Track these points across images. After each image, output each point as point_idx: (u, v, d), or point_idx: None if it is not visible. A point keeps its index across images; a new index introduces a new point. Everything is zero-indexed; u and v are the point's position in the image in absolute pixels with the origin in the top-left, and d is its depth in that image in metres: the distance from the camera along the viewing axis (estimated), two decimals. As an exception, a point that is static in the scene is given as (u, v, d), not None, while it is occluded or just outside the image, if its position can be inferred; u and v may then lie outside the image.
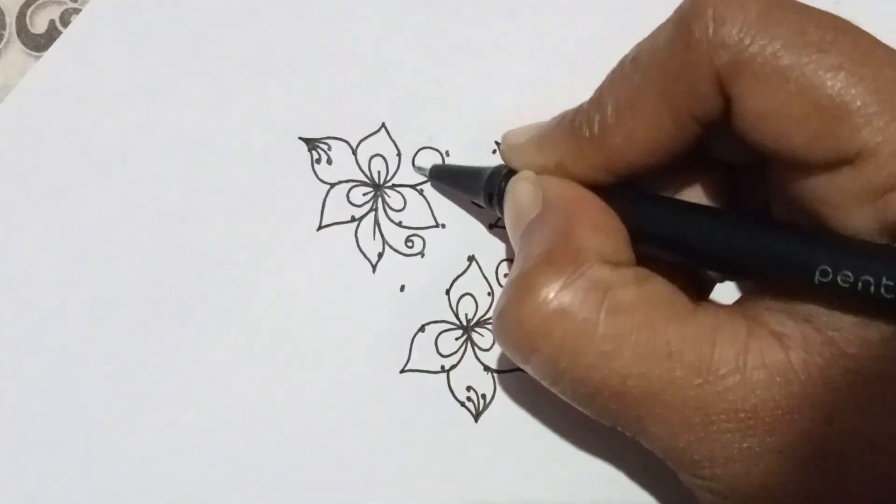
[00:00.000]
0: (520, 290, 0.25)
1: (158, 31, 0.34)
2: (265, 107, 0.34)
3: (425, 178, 0.34)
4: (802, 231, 0.24)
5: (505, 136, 0.31)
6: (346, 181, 0.34)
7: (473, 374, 0.33)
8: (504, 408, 0.33)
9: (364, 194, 0.34)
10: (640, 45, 0.27)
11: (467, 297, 0.34)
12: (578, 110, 0.28)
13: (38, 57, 0.33)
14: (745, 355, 0.23)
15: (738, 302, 0.27)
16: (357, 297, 0.33)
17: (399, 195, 0.34)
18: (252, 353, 0.32)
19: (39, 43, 0.34)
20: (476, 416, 0.33)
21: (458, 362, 0.33)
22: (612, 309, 0.24)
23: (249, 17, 0.34)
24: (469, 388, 0.33)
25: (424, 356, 0.33)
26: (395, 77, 0.34)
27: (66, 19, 0.34)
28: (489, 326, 0.34)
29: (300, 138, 0.34)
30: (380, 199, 0.34)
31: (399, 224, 0.34)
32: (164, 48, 0.33)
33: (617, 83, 0.26)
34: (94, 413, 0.32)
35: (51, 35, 0.34)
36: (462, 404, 0.33)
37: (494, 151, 0.34)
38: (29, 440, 0.32)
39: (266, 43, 0.34)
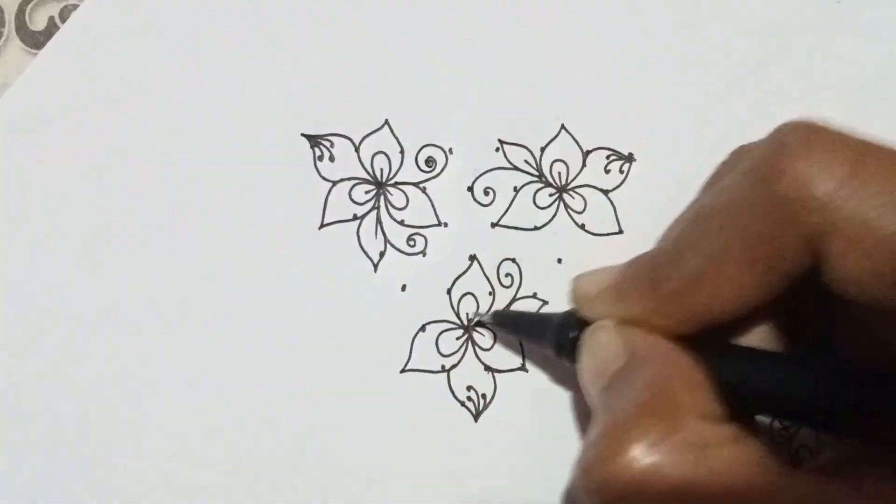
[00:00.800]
0: (610, 443, 0.24)
1: (158, 27, 0.33)
2: (267, 103, 0.33)
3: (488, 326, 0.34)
4: None
5: (576, 284, 0.30)
6: (349, 179, 0.34)
7: (474, 374, 0.33)
8: (504, 408, 0.33)
9: (366, 192, 0.34)
10: (720, 196, 0.26)
11: (468, 297, 0.34)
12: (656, 263, 0.27)
13: (38, 54, 0.33)
14: None
15: (834, 459, 0.27)
16: (358, 296, 0.33)
17: (401, 193, 0.34)
18: (252, 352, 0.32)
19: (38, 40, 0.33)
20: (476, 416, 0.33)
21: (459, 362, 0.33)
22: (711, 469, 0.23)
23: (251, 12, 0.34)
24: (469, 388, 0.33)
25: (425, 356, 0.33)
26: (398, 74, 0.34)
27: (65, 16, 0.34)
28: (490, 326, 0.33)
29: (302, 135, 0.34)
30: (382, 198, 0.34)
31: (401, 223, 0.34)
32: (163, 44, 0.33)
33: (697, 241, 0.26)
34: (94, 413, 0.32)
35: (50, 32, 0.33)
36: (462, 404, 0.33)
37: (498, 149, 0.34)
38: (29, 440, 0.32)
39: (268, 38, 0.34)
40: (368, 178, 0.34)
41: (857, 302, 0.24)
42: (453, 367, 0.33)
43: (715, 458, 0.23)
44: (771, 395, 0.25)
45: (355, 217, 0.33)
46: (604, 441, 0.24)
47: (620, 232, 0.34)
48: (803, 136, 0.23)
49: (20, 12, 0.34)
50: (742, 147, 0.27)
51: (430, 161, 0.34)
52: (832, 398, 0.24)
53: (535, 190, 0.34)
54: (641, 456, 0.23)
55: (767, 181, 0.23)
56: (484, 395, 0.33)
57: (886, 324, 0.24)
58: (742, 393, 0.25)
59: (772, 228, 0.24)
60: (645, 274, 0.27)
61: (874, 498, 0.23)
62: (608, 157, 0.34)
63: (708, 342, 0.27)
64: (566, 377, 0.33)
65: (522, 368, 0.33)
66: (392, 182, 0.34)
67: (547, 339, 0.30)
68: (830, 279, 0.23)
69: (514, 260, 0.34)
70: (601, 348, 0.27)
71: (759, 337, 0.28)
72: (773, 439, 0.27)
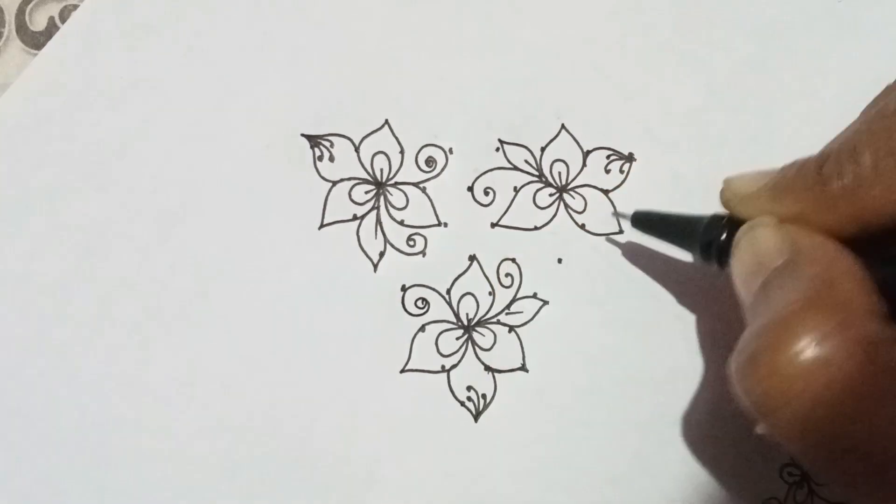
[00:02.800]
0: (778, 334, 0.23)
1: (157, 27, 0.33)
2: (267, 103, 0.33)
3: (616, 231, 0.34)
4: None
5: (729, 183, 0.29)
6: (349, 179, 0.34)
7: (473, 374, 0.33)
8: (504, 408, 0.33)
9: (366, 192, 0.34)
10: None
11: (468, 297, 0.34)
12: (824, 159, 0.26)
13: (38, 54, 0.33)
14: None
15: None
16: (358, 296, 0.33)
17: (401, 193, 0.34)
18: (252, 352, 0.32)
19: (39, 40, 0.33)
20: (476, 416, 0.33)
21: (459, 362, 0.33)
22: (880, 368, 0.22)
23: (251, 12, 0.34)
24: (469, 388, 0.33)
25: (425, 356, 0.33)
26: (398, 73, 0.34)
27: (65, 16, 0.34)
28: (490, 326, 0.33)
29: (302, 135, 0.34)
30: (382, 198, 0.34)
31: (401, 223, 0.34)
32: (163, 44, 0.33)
33: (877, 134, 0.25)
34: (94, 413, 0.32)
35: (50, 32, 0.33)
36: (462, 404, 0.33)
37: (498, 149, 0.34)
38: (29, 440, 0.32)
39: (268, 39, 0.34)
40: (368, 178, 0.34)
41: None
42: (453, 367, 0.33)
43: (886, 355, 0.22)
44: None
45: (355, 217, 0.33)
46: (770, 332, 0.23)
47: (621, 232, 0.34)
48: None
49: (20, 12, 0.34)
50: None
51: (430, 161, 0.34)
52: None
53: (535, 190, 0.34)
54: (810, 348, 0.22)
55: None
56: (484, 395, 0.33)
57: None
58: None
59: None
60: (811, 170, 0.26)
61: None
62: (608, 156, 0.34)
63: (872, 247, 0.26)
64: (566, 377, 0.33)
65: (522, 368, 0.34)
66: (392, 182, 0.34)
67: (693, 239, 0.30)
68: None
69: (513, 260, 0.34)
70: (760, 245, 0.27)
71: None
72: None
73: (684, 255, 0.32)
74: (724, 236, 0.28)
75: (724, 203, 0.29)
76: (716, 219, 0.29)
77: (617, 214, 0.34)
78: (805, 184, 0.26)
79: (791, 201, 0.27)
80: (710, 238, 0.29)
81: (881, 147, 0.25)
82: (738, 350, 0.24)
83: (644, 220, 0.32)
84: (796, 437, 0.23)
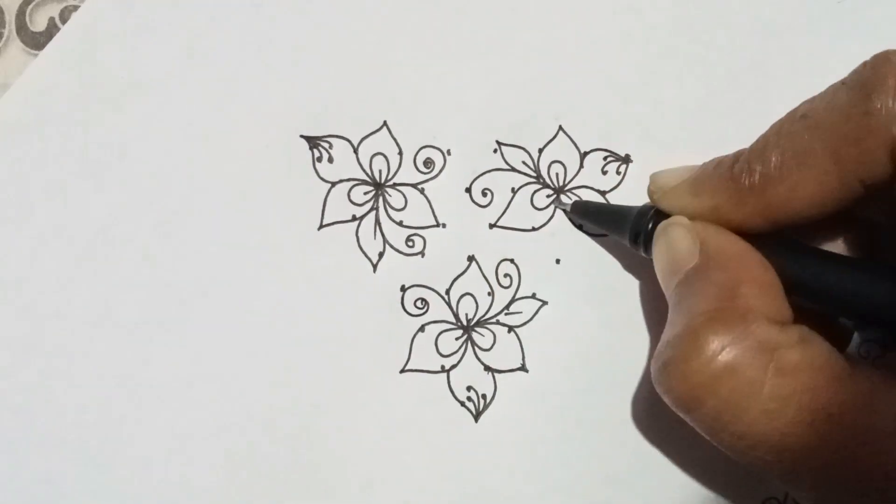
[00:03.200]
0: (688, 344, 0.26)
1: (158, 28, 0.33)
2: (266, 104, 0.33)
3: (567, 216, 0.34)
4: None
5: (654, 178, 0.31)
6: (348, 180, 0.34)
7: (473, 374, 0.33)
8: (504, 408, 0.33)
9: (365, 193, 0.34)
10: (811, 102, 0.27)
11: (467, 297, 0.34)
12: (738, 158, 0.28)
13: (38, 55, 0.33)
14: None
15: (889, 359, 0.28)
16: (357, 297, 0.33)
17: (400, 194, 0.34)
18: (252, 353, 0.33)
19: (39, 41, 0.34)
20: (476, 416, 0.33)
21: (459, 362, 0.33)
22: (779, 370, 0.25)
23: (250, 13, 0.34)
24: (469, 388, 0.33)
25: (424, 356, 0.33)
26: (397, 75, 0.34)
27: (65, 17, 0.34)
28: (489, 326, 0.33)
29: (301, 136, 0.34)
30: (381, 198, 0.34)
31: (400, 223, 0.34)
32: (163, 45, 0.33)
33: (785, 136, 0.27)
34: (94, 413, 0.32)
35: (50, 33, 0.33)
36: (462, 404, 0.33)
37: (496, 151, 0.34)
38: (29, 440, 0.32)
39: (268, 40, 0.34)
40: (367, 179, 0.34)
41: None
42: (453, 367, 0.33)
43: (784, 359, 0.25)
44: (838, 293, 0.27)
45: (354, 218, 0.34)
46: (681, 341, 0.26)
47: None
48: None
49: (21, 13, 0.34)
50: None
51: (428, 162, 0.34)
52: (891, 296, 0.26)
53: (532, 191, 0.34)
54: (715, 357, 0.25)
55: (865, 88, 0.25)
56: (484, 396, 0.33)
57: None
58: (810, 291, 0.27)
59: (859, 132, 0.25)
60: (725, 167, 0.28)
61: None
62: (605, 158, 0.34)
63: (779, 241, 0.28)
64: (566, 377, 0.34)
65: (522, 368, 0.34)
66: (391, 183, 0.34)
67: (624, 229, 0.31)
68: None
69: (512, 260, 0.34)
70: (674, 244, 0.29)
71: (829, 247, 0.30)
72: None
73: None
74: (650, 227, 0.30)
75: (649, 196, 0.31)
76: (644, 210, 0.31)
77: (557, 203, 0.34)
78: (720, 180, 0.28)
79: (707, 196, 0.29)
80: (638, 229, 0.31)
81: (787, 148, 0.27)
82: (656, 355, 0.27)
83: (583, 210, 0.33)
84: (709, 434, 0.27)
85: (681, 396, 0.26)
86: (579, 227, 0.34)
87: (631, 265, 0.34)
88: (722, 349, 0.25)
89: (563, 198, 0.34)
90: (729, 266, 0.27)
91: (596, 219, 0.33)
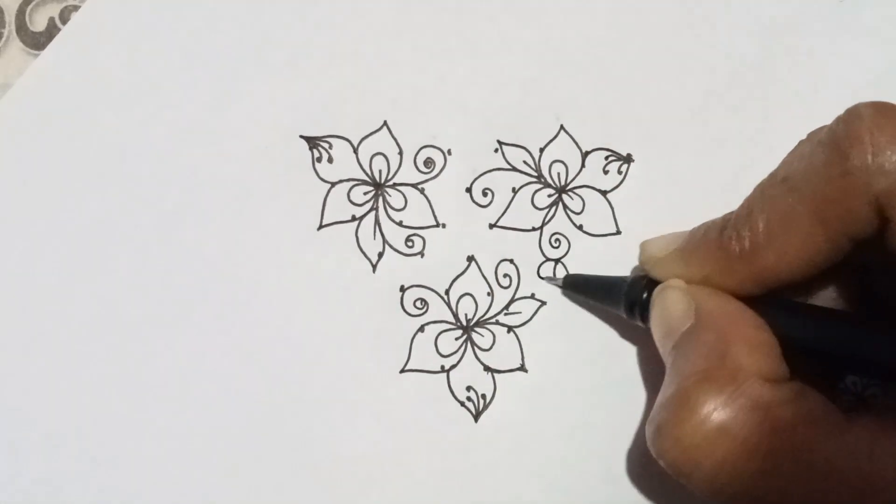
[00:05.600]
0: (679, 406, 0.26)
1: (158, 29, 0.33)
2: (266, 105, 0.33)
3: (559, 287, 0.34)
4: None
5: (644, 247, 0.31)
6: (347, 180, 0.34)
7: (473, 374, 0.33)
8: (504, 408, 0.33)
9: (365, 193, 0.34)
10: (789, 163, 0.28)
11: (467, 297, 0.34)
12: (725, 225, 0.28)
13: (38, 55, 0.33)
14: None
15: (887, 407, 0.28)
16: (357, 297, 0.33)
17: (400, 194, 0.34)
18: (252, 353, 0.33)
19: (39, 41, 0.34)
20: (476, 416, 0.33)
21: (458, 362, 0.33)
22: (773, 428, 0.25)
23: (250, 14, 0.34)
24: (469, 388, 0.33)
25: (424, 356, 0.33)
26: (396, 75, 0.34)
27: (65, 17, 0.34)
28: (489, 326, 0.33)
29: (301, 136, 0.34)
30: (380, 199, 0.34)
31: (399, 223, 0.34)
32: (163, 46, 0.33)
33: (768, 202, 0.27)
34: (95, 413, 0.32)
35: (50, 33, 0.33)
36: (462, 404, 0.33)
37: (496, 150, 0.34)
38: (29, 440, 0.32)
39: (267, 40, 0.34)
40: (367, 179, 0.34)
41: None
42: (453, 367, 0.33)
43: (778, 416, 0.25)
44: (832, 349, 0.27)
45: (354, 218, 0.34)
46: (673, 404, 0.26)
47: (618, 233, 0.34)
48: (877, 111, 0.25)
49: (20, 13, 0.34)
50: (813, 131, 0.28)
51: (428, 162, 0.34)
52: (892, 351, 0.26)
53: (533, 191, 0.34)
54: (708, 418, 0.25)
55: (841, 148, 0.25)
56: (484, 396, 0.33)
57: None
58: (806, 348, 0.27)
59: (841, 192, 0.25)
60: (713, 235, 0.28)
61: None
62: (607, 157, 0.34)
63: (773, 301, 0.28)
64: (566, 377, 0.34)
65: (522, 368, 0.34)
66: (391, 183, 0.34)
67: (618, 300, 0.31)
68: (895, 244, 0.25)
69: (512, 261, 0.34)
70: (669, 308, 0.29)
71: (823, 295, 0.30)
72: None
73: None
74: (644, 296, 0.30)
75: (642, 265, 0.31)
76: (636, 280, 0.31)
77: (547, 279, 0.34)
78: (708, 249, 0.29)
79: (697, 265, 0.29)
80: (632, 299, 0.31)
81: (771, 213, 0.27)
82: (650, 419, 0.27)
83: (574, 283, 0.34)
84: (709, 496, 0.26)
85: (676, 460, 0.26)
86: (580, 228, 0.34)
87: (631, 268, 0.34)
88: (713, 410, 0.25)
89: (546, 272, 0.34)
90: (720, 326, 0.27)
91: (588, 292, 0.33)
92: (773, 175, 0.28)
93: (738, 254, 0.27)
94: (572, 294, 0.34)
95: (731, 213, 0.28)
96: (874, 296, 0.30)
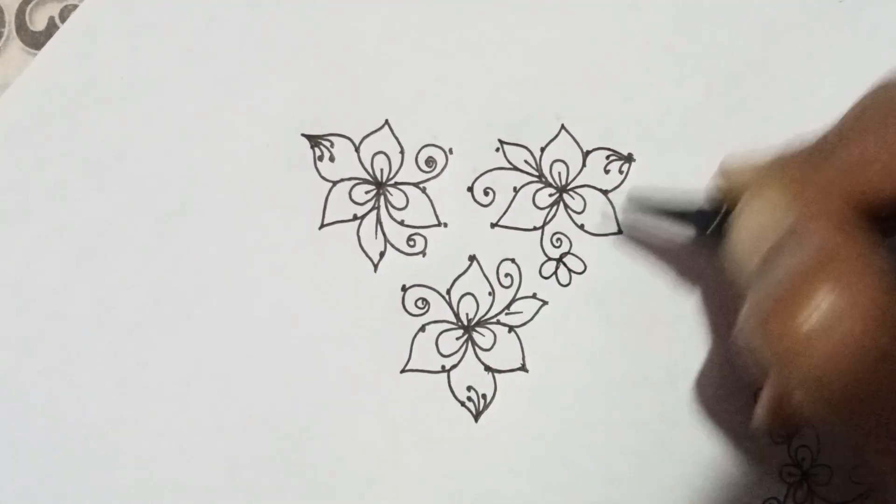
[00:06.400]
0: (793, 295, 0.24)
1: (158, 27, 0.33)
2: (267, 103, 0.33)
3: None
4: None
5: (726, 164, 0.30)
6: (349, 179, 0.34)
7: (473, 374, 0.33)
8: (504, 408, 0.33)
9: (366, 192, 0.34)
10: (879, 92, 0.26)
11: (468, 297, 0.34)
12: (822, 138, 0.27)
13: (38, 54, 0.33)
14: None
15: None
16: (358, 296, 0.33)
17: (401, 193, 0.34)
18: (252, 352, 0.32)
19: (39, 40, 0.33)
20: (476, 416, 0.33)
21: (459, 362, 0.33)
22: (891, 332, 0.23)
23: (251, 12, 0.34)
24: (469, 388, 0.33)
25: (425, 356, 0.33)
26: (398, 74, 0.34)
27: (65, 16, 0.34)
28: (490, 326, 0.33)
29: (303, 135, 0.34)
30: (382, 198, 0.34)
31: (401, 223, 0.34)
32: (163, 44, 0.33)
33: (869, 113, 0.26)
34: (95, 413, 0.32)
35: (50, 32, 0.33)
36: (462, 404, 0.33)
37: (498, 150, 0.34)
38: (29, 440, 0.32)
39: (268, 39, 0.34)
40: (368, 178, 0.34)
41: None
42: (453, 367, 0.33)
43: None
44: None
45: (355, 217, 0.33)
46: (783, 293, 0.24)
47: (619, 232, 0.34)
48: None
49: (20, 12, 0.34)
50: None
51: (430, 161, 0.34)
52: None
53: (534, 190, 0.34)
54: (823, 310, 0.23)
55: None
56: (484, 396, 0.33)
57: None
58: None
59: None
60: (815, 146, 0.27)
61: None
62: (608, 157, 0.34)
63: (873, 224, 0.26)
64: (566, 377, 0.34)
65: (522, 368, 0.34)
66: (392, 182, 0.34)
67: (690, 216, 0.30)
68: None
69: (513, 260, 0.34)
70: (764, 212, 0.27)
71: None
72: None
73: (684, 244, 0.32)
74: (724, 209, 0.29)
75: (724, 174, 0.29)
76: (716, 200, 0.30)
77: (630, 198, 0.33)
78: (807, 159, 0.27)
79: (791, 176, 0.27)
80: (712, 213, 0.29)
81: (874, 125, 0.25)
82: (749, 313, 0.25)
83: (641, 200, 0.33)
84: (815, 391, 0.24)
85: (787, 348, 0.24)
86: (581, 228, 0.34)
87: (635, 266, 0.34)
88: (832, 302, 0.23)
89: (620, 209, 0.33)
90: (829, 228, 0.25)
91: (658, 208, 0.32)
92: (865, 102, 0.26)
93: (840, 165, 0.26)
94: (637, 216, 0.33)
95: (832, 125, 0.27)
96: None
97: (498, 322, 0.34)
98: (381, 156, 0.34)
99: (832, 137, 0.27)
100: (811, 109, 0.35)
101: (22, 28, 0.34)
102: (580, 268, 0.34)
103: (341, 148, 0.34)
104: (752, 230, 0.27)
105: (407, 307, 0.33)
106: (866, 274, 0.24)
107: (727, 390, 0.34)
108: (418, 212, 0.34)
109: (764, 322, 0.24)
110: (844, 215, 0.25)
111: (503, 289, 0.34)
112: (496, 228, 0.34)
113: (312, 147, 0.34)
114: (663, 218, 0.32)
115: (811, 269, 0.24)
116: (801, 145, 0.28)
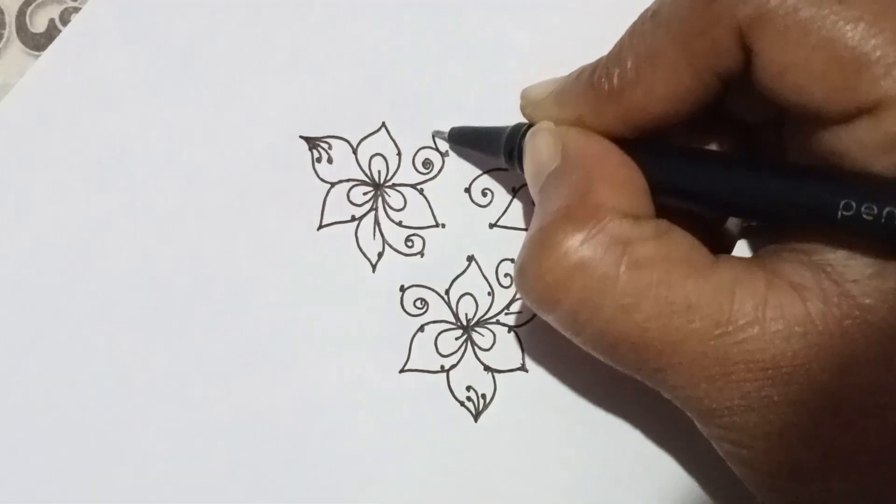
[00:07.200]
0: (540, 244, 0.26)
1: (158, 30, 0.33)
2: (266, 105, 0.34)
3: (442, 148, 0.34)
4: (824, 171, 0.24)
5: (524, 92, 0.31)
6: (347, 180, 0.34)
7: (473, 374, 0.33)
8: (504, 408, 0.33)
9: (364, 194, 0.34)
10: (653, 4, 0.27)
11: (467, 297, 0.34)
12: (597, 65, 0.28)
13: (38, 56, 0.33)
14: (763, 307, 0.23)
15: (756, 255, 0.27)
16: (357, 297, 0.33)
17: (399, 195, 0.34)
18: (252, 353, 0.33)
19: (39, 42, 0.34)
20: (476, 416, 0.33)
21: (458, 362, 0.33)
22: (632, 263, 0.25)
23: (250, 15, 0.34)
24: (469, 388, 0.33)
25: (424, 356, 0.33)
26: (395, 76, 0.34)
27: (65, 18, 0.34)
28: (489, 326, 0.33)
29: (301, 137, 0.34)
30: (380, 199, 0.34)
31: (399, 224, 0.34)
32: (163, 47, 0.33)
33: (637, 38, 0.27)
34: (95, 413, 0.32)
35: (50, 34, 0.34)
36: (462, 404, 0.33)
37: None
38: (29, 440, 0.32)
39: (267, 41, 0.34)
40: (366, 179, 0.34)
41: (787, 106, 0.24)
42: (453, 367, 0.33)
43: (638, 252, 0.25)
44: (695, 188, 0.26)
45: (353, 218, 0.34)
46: (533, 242, 0.26)
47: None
48: None
49: (21, 14, 0.34)
50: None
51: (427, 163, 0.34)
52: (750, 188, 0.25)
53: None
54: (568, 254, 0.25)
55: None
56: (484, 395, 0.33)
57: (814, 129, 0.24)
58: (676, 189, 0.27)
59: (705, 22, 0.24)
60: (585, 76, 0.28)
61: (792, 278, 0.24)
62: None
63: (645, 144, 0.28)
64: (566, 377, 0.33)
65: (522, 368, 0.34)
66: (390, 184, 0.34)
67: (500, 149, 0.31)
68: (761, 77, 0.24)
69: (512, 260, 0.34)
70: (538, 149, 0.29)
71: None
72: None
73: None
74: (521, 142, 0.30)
75: (522, 110, 0.31)
76: (516, 128, 0.31)
77: (436, 133, 0.34)
78: (581, 89, 0.28)
79: (570, 106, 0.28)
80: (511, 146, 0.31)
81: (640, 50, 0.26)
82: (517, 258, 0.27)
83: (460, 134, 0.33)
84: (571, 334, 0.27)
85: (539, 297, 0.26)
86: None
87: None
88: (573, 246, 0.25)
89: (438, 125, 0.34)
90: (584, 165, 0.27)
91: (473, 143, 0.33)
92: (644, 12, 0.27)
93: (606, 92, 0.27)
94: (459, 148, 0.34)
95: (602, 56, 0.28)
96: (759, 154, 0.29)
97: (497, 322, 0.34)
98: (379, 157, 0.34)
99: (602, 63, 0.28)
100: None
101: (22, 29, 0.34)
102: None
103: (339, 150, 0.34)
104: (530, 169, 0.29)
105: (406, 307, 0.33)
106: (603, 219, 0.25)
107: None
108: (416, 213, 0.34)
109: (519, 272, 0.27)
110: (601, 154, 0.27)
111: (503, 289, 0.34)
112: (495, 228, 0.34)
113: (311, 149, 0.34)
114: (479, 149, 0.33)
115: (554, 221, 0.26)
116: (580, 71, 0.29)
